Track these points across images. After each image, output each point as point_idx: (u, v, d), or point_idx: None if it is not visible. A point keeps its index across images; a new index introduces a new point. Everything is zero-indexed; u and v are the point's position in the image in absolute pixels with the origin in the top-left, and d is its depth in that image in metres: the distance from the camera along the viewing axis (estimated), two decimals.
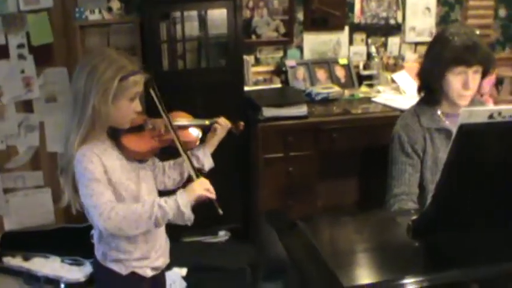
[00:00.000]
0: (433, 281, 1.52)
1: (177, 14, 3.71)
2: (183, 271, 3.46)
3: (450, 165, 1.55)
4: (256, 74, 4.31)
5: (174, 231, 2.37)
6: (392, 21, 4.55)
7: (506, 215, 1.67)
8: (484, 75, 2.48)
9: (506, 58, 4.81)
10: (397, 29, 4.59)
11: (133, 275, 2.17)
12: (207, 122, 2.30)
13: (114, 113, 2.02)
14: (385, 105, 3.90)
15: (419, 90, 2.63)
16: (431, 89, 2.53)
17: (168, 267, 2.40)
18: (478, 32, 2.58)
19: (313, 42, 4.43)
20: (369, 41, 4.54)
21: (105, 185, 1.98)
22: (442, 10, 4.66)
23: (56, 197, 3.86)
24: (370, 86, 4.35)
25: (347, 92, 4.16)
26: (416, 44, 4.65)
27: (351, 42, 4.51)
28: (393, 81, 4.33)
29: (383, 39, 4.58)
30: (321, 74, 4.38)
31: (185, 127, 2.27)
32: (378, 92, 4.21)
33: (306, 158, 3.68)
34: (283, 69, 4.33)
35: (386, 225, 1.99)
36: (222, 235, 3.98)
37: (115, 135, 2.10)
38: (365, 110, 3.84)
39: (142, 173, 2.18)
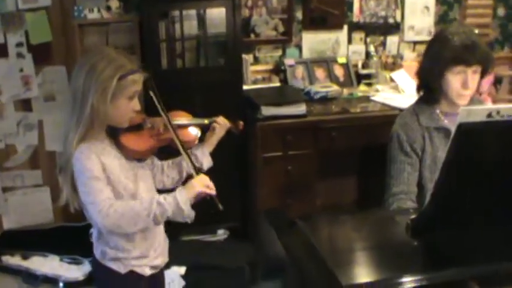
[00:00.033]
0: (431, 279, 1.52)
1: (176, 12, 3.71)
2: (182, 270, 3.46)
3: (449, 164, 1.55)
4: (255, 73, 4.31)
5: (172, 230, 2.37)
6: (391, 20, 4.55)
7: (504, 214, 1.67)
8: (483, 74, 2.48)
9: (504, 57, 4.82)
10: (395, 28, 4.59)
11: (132, 273, 2.17)
12: (206, 121, 2.31)
13: (113, 112, 2.02)
14: (383, 104, 3.90)
15: (419, 89, 2.63)
16: (431, 88, 2.53)
17: (167, 265, 2.41)
18: (477, 31, 2.58)
19: (312, 41, 4.43)
20: (368, 40, 4.54)
21: (103, 182, 1.98)
22: (440, 9, 4.66)
23: (54, 195, 3.86)
24: (369, 84, 4.35)
25: (346, 91, 4.16)
26: (415, 43, 4.65)
27: (349, 41, 4.52)
28: (392, 80, 4.33)
29: (382, 38, 4.58)
30: (319, 72, 4.38)
31: (184, 126, 2.27)
32: (377, 90, 4.22)
33: (305, 157, 3.68)
34: (282, 68, 4.33)
35: (385, 224, 1.99)
36: (221, 234, 3.97)
37: (114, 134, 2.10)
38: (364, 109, 3.84)
39: (141, 172, 2.18)
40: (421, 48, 4.52)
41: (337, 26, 4.45)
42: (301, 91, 4.06)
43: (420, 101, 2.62)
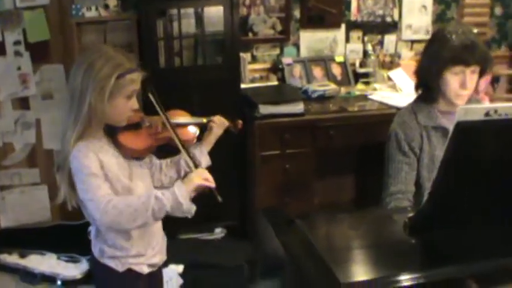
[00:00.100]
0: (429, 277, 1.52)
1: (174, 11, 3.71)
2: (180, 268, 3.46)
3: (447, 163, 1.56)
4: (253, 72, 4.32)
5: (170, 228, 2.37)
6: (388, 19, 4.56)
7: (502, 213, 1.68)
8: (482, 74, 2.49)
9: (502, 56, 4.83)
10: (393, 26, 4.60)
11: (129, 271, 2.17)
12: (204, 120, 2.30)
13: (111, 111, 2.02)
14: (381, 103, 3.91)
15: (417, 87, 2.63)
16: (429, 87, 2.54)
17: (165, 264, 2.40)
18: (475, 31, 2.58)
19: (310, 40, 4.43)
20: (365, 38, 4.55)
21: (101, 179, 1.97)
22: (438, 8, 4.67)
23: (52, 194, 3.85)
24: (367, 83, 4.36)
25: (343, 90, 4.16)
26: (413, 41, 4.66)
27: (347, 39, 4.52)
28: (389, 78, 4.34)
29: (379, 37, 4.59)
30: (317, 71, 4.38)
31: (182, 125, 2.27)
32: (374, 89, 4.22)
33: (303, 156, 3.68)
34: (280, 66, 4.33)
35: (383, 222, 1.99)
36: (219, 232, 3.98)
37: (112, 132, 2.10)
38: (361, 108, 3.85)
39: (139, 170, 2.18)
40: (419, 47, 4.53)
41: (334, 25, 4.45)
42: (298, 90, 4.07)
43: (418, 100, 2.62)
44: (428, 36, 4.39)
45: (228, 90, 3.73)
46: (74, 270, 3.62)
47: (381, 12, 4.52)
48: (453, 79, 2.43)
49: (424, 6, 4.60)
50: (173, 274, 3.39)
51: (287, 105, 3.65)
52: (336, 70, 4.42)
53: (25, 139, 3.90)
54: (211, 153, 2.31)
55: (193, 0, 3.73)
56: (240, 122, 2.37)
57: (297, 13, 4.36)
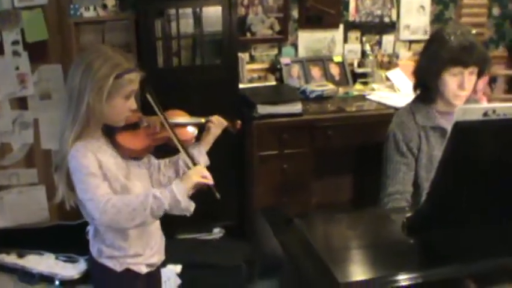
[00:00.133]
0: (427, 277, 1.53)
1: (172, 11, 3.71)
2: (178, 268, 3.46)
3: (445, 163, 1.56)
4: (251, 72, 4.32)
5: (168, 228, 2.37)
6: (386, 19, 4.56)
7: (500, 212, 1.68)
8: (480, 75, 2.49)
9: (499, 56, 4.84)
10: (391, 27, 4.60)
11: (128, 271, 2.17)
12: (202, 120, 2.30)
13: (109, 111, 2.01)
14: (379, 103, 3.91)
15: (415, 88, 2.64)
16: (427, 87, 2.54)
17: (163, 264, 2.40)
18: (474, 32, 2.59)
19: (308, 40, 4.43)
20: (364, 39, 4.55)
21: (100, 178, 1.97)
22: (436, 8, 4.67)
23: (50, 194, 3.85)
24: (365, 83, 4.36)
25: (341, 90, 4.17)
26: (411, 42, 4.66)
27: (345, 40, 4.52)
28: (387, 79, 4.34)
29: (377, 37, 4.59)
30: (315, 71, 4.38)
31: (181, 125, 2.27)
32: (372, 89, 4.23)
33: (301, 156, 3.69)
34: (278, 66, 4.33)
35: (381, 222, 1.99)
36: (217, 232, 3.98)
37: (110, 132, 2.10)
38: (359, 108, 3.85)
39: (138, 171, 2.18)
40: (417, 47, 4.54)
41: (333, 25, 4.45)
42: (296, 90, 4.07)
43: (417, 100, 2.62)
44: (426, 37, 4.43)
45: (226, 90, 3.73)
46: (72, 270, 3.62)
47: (379, 12, 4.52)
48: (451, 80, 2.43)
49: (422, 7, 4.61)
50: (171, 274, 3.39)
51: (285, 105, 3.65)
52: (334, 70, 4.42)
53: (23, 139, 3.89)
54: (209, 153, 2.31)
55: (191, 0, 3.73)
56: (239, 122, 2.37)
57: (295, 13, 4.36)
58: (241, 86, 3.94)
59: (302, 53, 4.43)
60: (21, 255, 3.73)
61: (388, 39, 4.61)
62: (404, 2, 4.56)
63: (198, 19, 3.79)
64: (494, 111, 1.45)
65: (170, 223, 2.31)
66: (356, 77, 4.43)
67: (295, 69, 4.33)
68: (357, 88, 4.28)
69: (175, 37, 3.76)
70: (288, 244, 1.76)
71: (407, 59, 4.55)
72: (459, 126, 1.47)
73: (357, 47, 4.55)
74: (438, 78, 2.46)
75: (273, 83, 4.29)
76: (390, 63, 4.52)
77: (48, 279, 3.61)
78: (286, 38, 4.38)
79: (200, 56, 3.85)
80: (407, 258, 1.68)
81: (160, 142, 2.20)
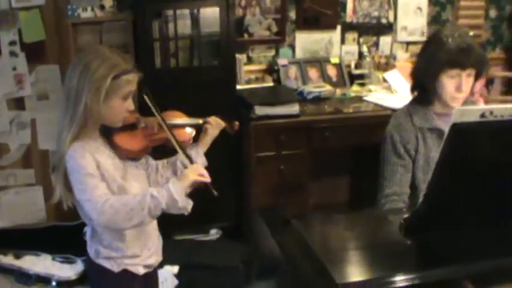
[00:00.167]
0: (424, 278, 1.53)
1: (170, 12, 3.71)
2: (175, 269, 3.46)
3: (442, 164, 1.56)
4: (249, 73, 4.32)
5: (165, 229, 2.37)
6: (384, 21, 4.57)
7: (498, 214, 1.68)
8: (477, 77, 2.49)
9: (496, 58, 4.85)
10: (388, 28, 4.60)
11: (125, 272, 2.17)
12: (200, 121, 2.30)
13: (106, 112, 2.01)
14: (376, 105, 3.91)
15: (413, 89, 2.64)
16: (425, 89, 2.54)
17: (160, 265, 2.40)
18: (471, 34, 2.59)
19: (305, 41, 4.44)
20: (361, 40, 4.56)
21: (98, 179, 1.97)
22: (433, 10, 4.68)
23: (47, 194, 3.85)
24: (362, 85, 4.36)
25: (339, 91, 4.17)
26: (408, 43, 4.67)
27: (342, 41, 4.53)
28: (385, 80, 4.35)
29: (375, 38, 4.59)
30: (312, 73, 4.39)
31: (178, 126, 2.27)
32: (370, 91, 4.23)
33: (298, 157, 3.69)
34: (275, 68, 4.33)
35: (379, 223, 2.00)
36: (214, 233, 3.98)
37: (107, 133, 2.10)
38: (356, 109, 3.85)
39: (135, 171, 2.17)
40: (414, 48, 4.54)
41: (330, 26, 4.46)
42: (294, 91, 4.07)
43: (414, 102, 2.63)
44: (423, 38, 4.45)
45: (223, 91, 3.73)
46: (69, 271, 3.61)
47: (376, 13, 4.53)
48: (449, 82, 2.44)
49: (420, 8, 4.62)
50: (168, 275, 3.39)
51: (282, 107, 3.66)
52: (332, 71, 4.42)
53: (20, 139, 3.89)
54: (206, 154, 2.31)
55: (189, 1, 3.73)
56: (237, 123, 2.37)
57: (292, 14, 4.36)
58: (238, 87, 3.95)
59: (299, 54, 4.43)
60: (18, 256, 3.72)
61: (385, 40, 4.61)
62: (402, 3, 4.57)
63: (195, 20, 3.79)
64: (491, 113, 1.46)
65: (167, 224, 2.31)
66: (353, 78, 4.43)
67: (293, 71, 4.34)
68: (354, 89, 4.28)
69: (172, 38, 3.76)
70: (286, 245, 1.76)
71: (404, 60, 4.56)
72: (456, 128, 1.48)
73: (354, 48, 4.55)
74: (436, 80, 2.46)
75: (270, 84, 4.30)
76: (387, 64, 4.53)
77: (45, 280, 3.60)
78: (283, 39, 4.38)
79: (198, 57, 3.85)
80: (405, 259, 1.68)
81: (158, 143, 2.20)
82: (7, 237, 3.84)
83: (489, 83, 4.78)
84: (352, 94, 4.16)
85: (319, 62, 4.43)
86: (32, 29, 3.69)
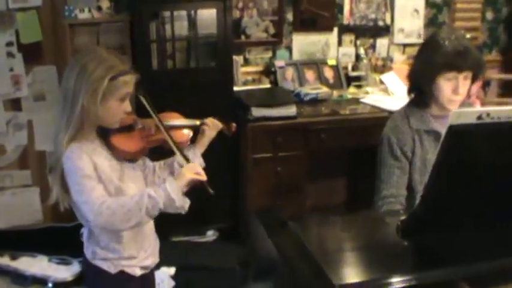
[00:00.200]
0: (421, 279, 1.53)
1: (167, 13, 3.71)
2: (172, 270, 3.46)
3: (439, 166, 1.56)
4: (245, 74, 4.32)
5: (162, 230, 2.37)
6: (381, 23, 4.57)
7: (495, 215, 1.69)
8: (474, 80, 2.50)
9: (493, 60, 4.86)
10: (385, 30, 4.61)
11: (122, 273, 2.17)
12: (197, 123, 2.30)
13: (103, 113, 2.01)
14: (373, 106, 3.92)
15: (410, 91, 2.64)
16: (422, 91, 2.54)
17: (157, 266, 2.40)
18: (468, 36, 2.60)
19: (302, 43, 4.44)
20: (358, 42, 4.56)
21: (95, 180, 1.97)
22: (430, 12, 4.69)
23: (44, 196, 3.84)
24: (359, 87, 4.37)
25: (335, 93, 4.17)
26: (405, 45, 4.67)
27: (339, 43, 4.53)
28: (381, 82, 4.35)
29: (372, 40, 4.60)
30: (309, 74, 4.39)
31: (176, 127, 2.27)
32: (366, 93, 4.24)
33: (295, 158, 3.69)
34: (272, 69, 4.34)
35: (376, 225, 2.00)
36: (210, 235, 3.98)
37: (104, 134, 2.10)
38: (353, 111, 3.86)
39: (132, 173, 2.17)
40: (411, 50, 4.55)
41: (327, 28, 4.46)
42: (291, 93, 4.08)
43: (411, 104, 2.63)
44: (420, 40, 4.46)
45: (220, 93, 3.73)
46: (65, 272, 3.61)
47: (373, 16, 4.53)
48: (446, 85, 2.44)
49: (416, 10, 4.62)
50: (165, 276, 3.39)
51: (279, 108, 3.66)
52: (328, 73, 4.43)
53: (17, 140, 3.89)
54: (203, 156, 2.31)
55: (186, 3, 3.74)
56: (234, 124, 2.38)
57: (289, 16, 4.37)
58: (235, 88, 3.95)
59: (296, 56, 4.44)
60: (14, 257, 3.72)
61: (382, 42, 4.62)
62: (399, 5, 4.58)
63: (192, 21, 3.79)
64: (488, 115, 1.46)
65: (164, 225, 2.31)
66: (350, 80, 4.44)
67: (290, 72, 4.34)
68: (351, 91, 4.28)
69: (169, 39, 3.76)
70: (283, 246, 1.76)
71: (401, 62, 4.57)
72: (453, 130, 1.48)
73: (351, 50, 4.56)
74: (432, 82, 2.46)
75: (267, 85, 4.30)
76: (384, 66, 4.54)
77: (41, 281, 3.59)
78: (280, 41, 4.38)
79: (195, 58, 3.86)
80: (402, 260, 1.68)
81: (155, 144, 2.20)
82: (3, 238, 3.83)
83: (486, 85, 4.78)
84: (349, 96, 4.17)
85: (316, 63, 4.43)
86: (29, 30, 3.69)
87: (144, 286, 2.29)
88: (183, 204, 1.98)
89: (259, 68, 4.38)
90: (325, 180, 3.86)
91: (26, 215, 3.94)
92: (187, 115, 2.33)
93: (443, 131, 1.52)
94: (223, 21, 3.70)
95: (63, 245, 3.63)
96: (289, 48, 4.42)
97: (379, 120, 3.17)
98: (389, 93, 4.18)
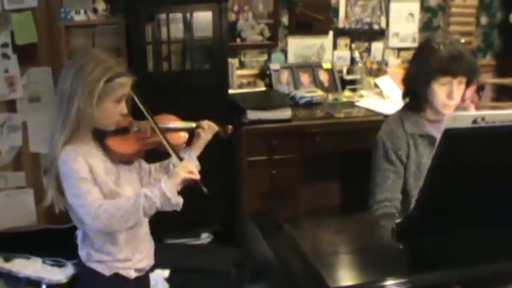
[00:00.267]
0: (416, 282, 1.53)
1: (163, 16, 3.71)
2: (166, 273, 3.45)
3: (434, 170, 1.57)
4: (241, 77, 4.33)
5: (156, 232, 2.37)
6: (376, 27, 4.58)
7: (490, 219, 1.69)
8: (468, 84, 2.50)
9: (487, 65, 4.88)
10: (380, 34, 4.62)
11: (116, 276, 2.17)
12: (193, 125, 2.30)
13: (99, 115, 2.01)
14: (368, 110, 3.93)
15: (404, 96, 2.65)
16: (416, 95, 2.55)
17: (151, 268, 2.40)
18: (463, 41, 2.61)
19: (298, 46, 4.45)
20: (353, 45, 4.57)
21: (91, 183, 1.98)
22: (425, 16, 4.71)
23: (38, 197, 3.84)
24: (354, 90, 4.37)
25: (330, 96, 4.18)
26: (400, 49, 4.69)
27: (334, 46, 4.54)
28: (376, 86, 4.36)
29: (366, 44, 4.61)
30: (304, 78, 4.40)
31: (171, 130, 2.27)
32: (361, 96, 4.24)
33: (290, 161, 3.69)
34: (267, 72, 4.34)
35: (371, 228, 2.00)
36: (205, 237, 3.98)
37: (100, 136, 2.10)
38: (348, 114, 3.87)
39: (128, 175, 2.17)
40: (406, 54, 4.56)
41: (322, 32, 4.47)
42: (286, 96, 4.08)
43: (406, 108, 2.63)
44: (415, 44, 4.47)
45: (216, 95, 3.74)
46: (59, 274, 3.59)
47: (368, 19, 4.55)
48: (440, 89, 2.44)
49: (411, 14, 4.64)
50: (159, 279, 3.38)
51: (275, 111, 3.67)
52: (323, 77, 4.43)
53: (11, 142, 3.87)
54: (199, 158, 2.31)
55: (182, 5, 3.74)
56: (230, 127, 2.37)
57: (285, 19, 4.38)
58: (230, 91, 3.95)
59: (291, 59, 4.44)
60: (7, 259, 3.70)
61: (377, 46, 4.63)
62: (394, 9, 4.59)
63: (188, 24, 3.79)
64: (483, 119, 1.47)
65: (159, 228, 2.31)
66: (345, 83, 4.44)
67: (285, 75, 4.35)
68: (346, 95, 4.29)
69: (165, 42, 3.76)
70: (278, 249, 1.76)
71: (396, 66, 4.58)
72: (448, 134, 1.48)
73: (346, 53, 4.57)
74: (427, 87, 2.47)
75: (263, 88, 4.30)
76: (379, 70, 4.54)
77: (35, 283, 3.57)
78: (276, 44, 4.39)
79: (190, 60, 3.86)
80: (397, 263, 1.69)
81: (150, 147, 2.20)
82: None
83: (480, 89, 4.80)
84: (344, 99, 4.17)
85: (311, 67, 4.44)
86: (24, 31, 3.68)
87: None
88: (178, 201, 1.99)
89: (255, 71, 4.38)
90: (320, 183, 3.86)
91: (20, 216, 3.93)
92: (182, 117, 2.34)
93: (437, 135, 1.53)
94: (218, 24, 3.70)
95: (58, 247, 3.61)
96: (284, 52, 4.43)
97: (373, 123, 3.17)
98: (384, 96, 4.19)
